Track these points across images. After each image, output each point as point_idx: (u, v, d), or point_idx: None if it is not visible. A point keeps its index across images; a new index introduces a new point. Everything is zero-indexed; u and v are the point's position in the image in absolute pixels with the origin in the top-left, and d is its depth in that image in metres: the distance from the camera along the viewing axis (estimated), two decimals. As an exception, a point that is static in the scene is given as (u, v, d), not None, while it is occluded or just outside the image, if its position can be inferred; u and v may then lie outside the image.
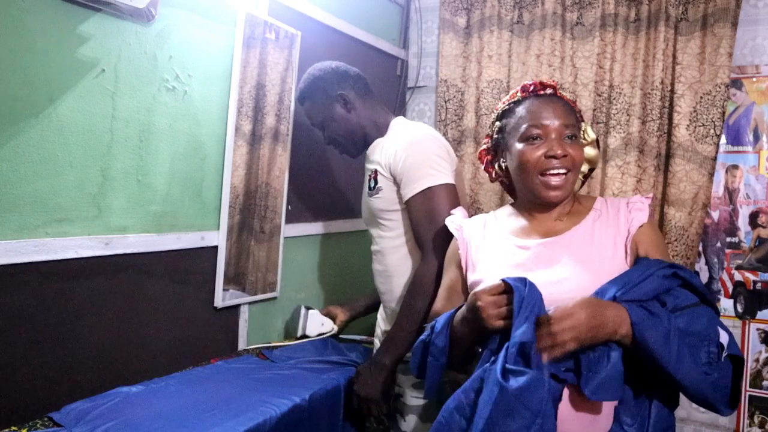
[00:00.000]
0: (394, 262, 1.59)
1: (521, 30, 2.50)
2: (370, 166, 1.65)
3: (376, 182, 1.60)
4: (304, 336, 1.94)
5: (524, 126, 1.18)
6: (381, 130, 1.66)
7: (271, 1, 1.91)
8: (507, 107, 1.25)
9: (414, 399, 1.53)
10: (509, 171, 1.26)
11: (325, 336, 1.93)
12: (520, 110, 1.21)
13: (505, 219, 1.27)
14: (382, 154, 1.59)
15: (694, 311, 1.05)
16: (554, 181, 1.15)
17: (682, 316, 1.04)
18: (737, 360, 1.06)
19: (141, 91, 1.51)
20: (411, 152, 1.52)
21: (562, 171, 1.15)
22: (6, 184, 1.25)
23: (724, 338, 1.04)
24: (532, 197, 1.21)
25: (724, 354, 1.04)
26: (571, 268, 1.12)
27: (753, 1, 2.25)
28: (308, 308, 1.98)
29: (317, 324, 1.94)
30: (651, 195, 1.25)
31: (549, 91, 1.22)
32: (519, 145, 1.18)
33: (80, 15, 1.35)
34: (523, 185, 1.21)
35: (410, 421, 1.53)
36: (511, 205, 1.32)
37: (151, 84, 1.53)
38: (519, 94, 1.25)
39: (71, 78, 1.35)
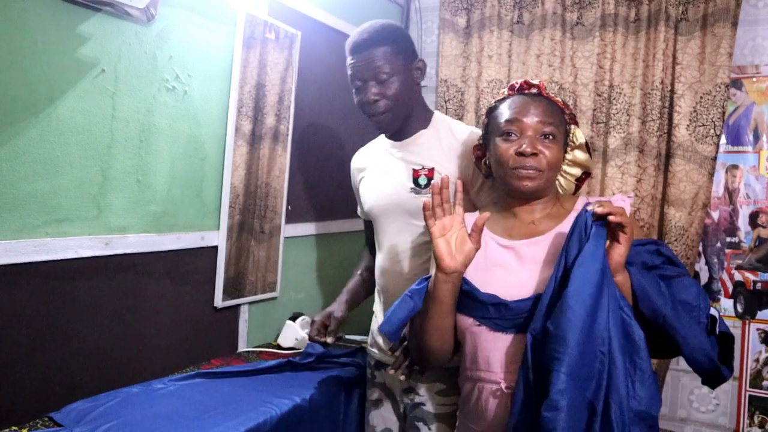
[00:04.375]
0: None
1: (521, 30, 2.50)
2: (417, 160, 1.48)
3: (430, 181, 1.45)
4: (279, 345, 1.94)
5: (503, 122, 1.20)
6: (423, 121, 1.52)
7: (271, 1, 1.91)
8: (494, 105, 1.28)
9: (440, 407, 1.45)
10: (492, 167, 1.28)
11: (297, 351, 1.88)
12: (503, 107, 1.23)
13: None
14: (444, 153, 1.47)
15: (682, 281, 1.09)
16: (524, 172, 1.16)
17: (670, 284, 1.07)
18: (728, 337, 1.09)
19: (141, 91, 1.51)
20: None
21: (532, 171, 1.16)
22: (6, 184, 1.25)
23: (714, 312, 1.08)
24: (509, 190, 1.22)
25: (718, 327, 1.07)
26: (554, 267, 1.12)
27: (753, 1, 2.25)
28: (294, 318, 1.95)
29: (291, 337, 1.92)
30: (632, 195, 1.26)
31: (534, 90, 1.23)
32: (497, 141, 1.20)
33: (80, 15, 1.35)
34: (500, 179, 1.23)
35: (435, 430, 1.45)
36: (494, 204, 1.32)
37: (151, 84, 1.53)
38: (506, 92, 1.27)
39: (71, 78, 1.35)
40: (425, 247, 1.46)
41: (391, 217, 1.52)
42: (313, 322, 1.57)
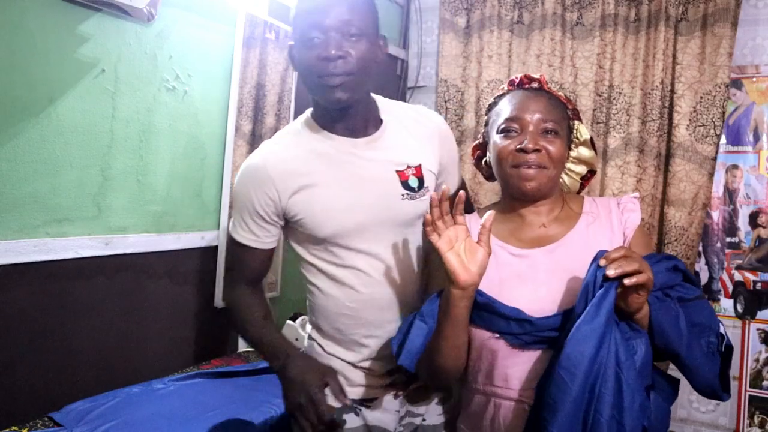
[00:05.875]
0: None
1: (521, 30, 2.50)
2: (397, 158, 1.22)
3: (421, 181, 1.23)
4: None
5: (503, 118, 1.14)
6: (376, 110, 1.26)
7: (271, 1, 1.91)
8: (493, 101, 1.23)
9: (441, 416, 1.33)
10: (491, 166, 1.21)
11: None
12: (503, 103, 1.18)
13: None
14: (418, 142, 1.25)
15: (697, 304, 1.06)
16: (525, 171, 1.09)
17: (686, 307, 1.04)
18: (728, 348, 1.08)
19: (141, 91, 1.51)
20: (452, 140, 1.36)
21: (534, 168, 1.09)
22: (6, 184, 1.25)
23: (722, 329, 1.06)
24: (510, 190, 1.15)
25: (724, 343, 1.05)
26: (575, 277, 1.06)
27: (753, 1, 2.25)
28: (294, 318, 1.93)
29: (291, 337, 1.88)
30: (637, 194, 1.22)
31: (535, 84, 1.19)
32: (496, 138, 1.14)
33: (80, 15, 1.35)
34: (500, 178, 1.16)
35: None
36: (496, 204, 1.24)
37: (151, 84, 1.53)
38: (506, 87, 1.22)
39: (71, 78, 1.35)
40: (422, 260, 1.27)
41: (377, 234, 1.21)
42: (306, 406, 1.14)
